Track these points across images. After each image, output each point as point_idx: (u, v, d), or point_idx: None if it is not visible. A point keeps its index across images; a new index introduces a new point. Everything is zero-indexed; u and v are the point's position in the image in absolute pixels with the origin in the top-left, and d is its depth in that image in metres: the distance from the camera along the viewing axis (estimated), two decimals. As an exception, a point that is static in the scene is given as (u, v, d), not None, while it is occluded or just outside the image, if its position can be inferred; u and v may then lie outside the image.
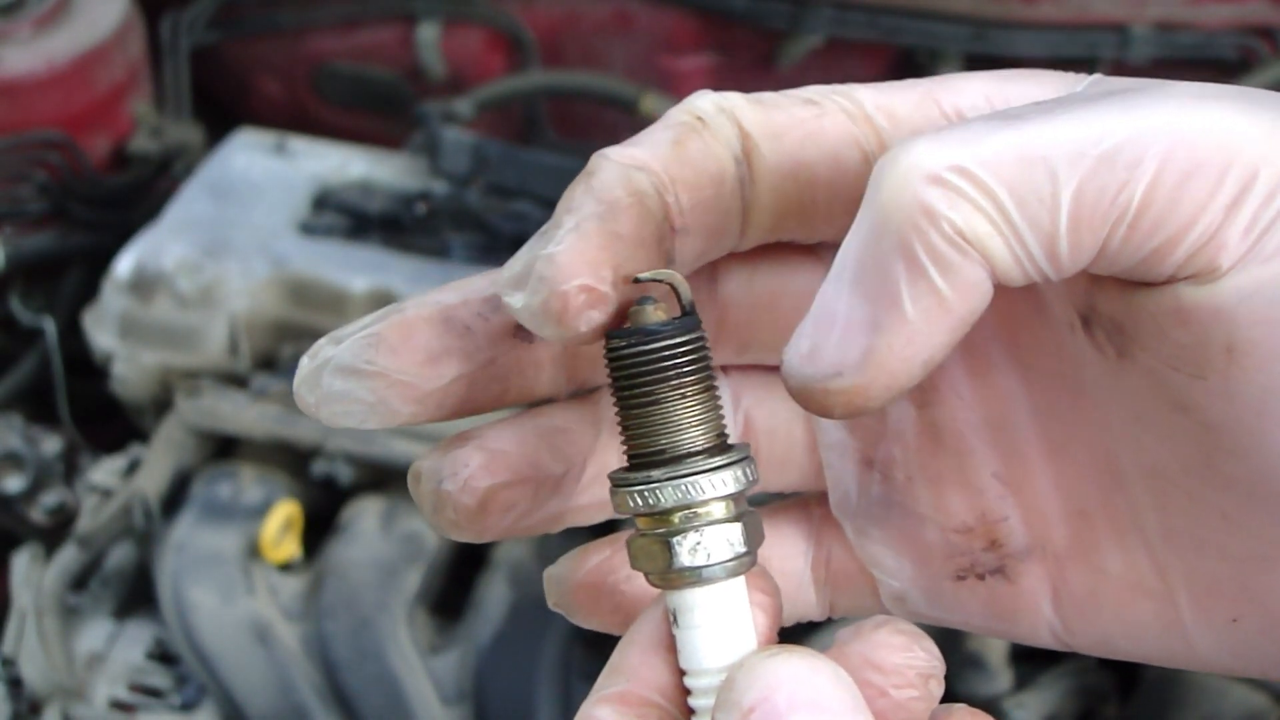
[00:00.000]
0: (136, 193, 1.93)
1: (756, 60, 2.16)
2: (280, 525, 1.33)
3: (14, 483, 1.55)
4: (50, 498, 1.56)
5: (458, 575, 1.40)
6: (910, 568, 0.47)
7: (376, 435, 1.39)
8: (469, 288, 0.44)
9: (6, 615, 1.42)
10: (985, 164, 0.37)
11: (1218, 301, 0.38)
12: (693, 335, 0.40)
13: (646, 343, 0.39)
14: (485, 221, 1.58)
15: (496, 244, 1.57)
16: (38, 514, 1.56)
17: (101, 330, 1.56)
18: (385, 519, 1.38)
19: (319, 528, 1.40)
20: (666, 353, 0.39)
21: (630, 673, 0.41)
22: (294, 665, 1.30)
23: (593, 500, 0.46)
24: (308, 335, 1.52)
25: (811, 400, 0.39)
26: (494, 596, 1.31)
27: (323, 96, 2.26)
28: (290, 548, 1.36)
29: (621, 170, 0.41)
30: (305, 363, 0.43)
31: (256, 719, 1.29)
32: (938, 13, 1.98)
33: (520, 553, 1.35)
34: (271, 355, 1.54)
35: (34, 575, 1.41)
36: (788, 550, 0.48)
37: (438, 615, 1.36)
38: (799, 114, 0.43)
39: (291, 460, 1.43)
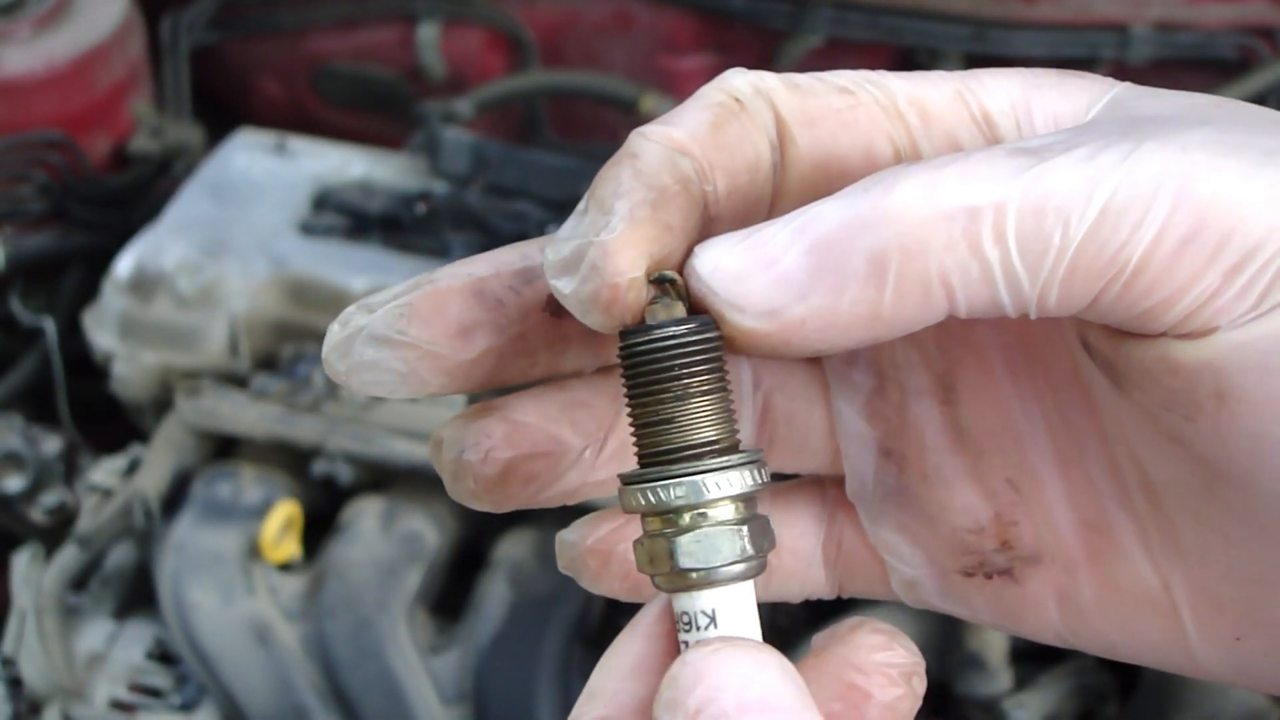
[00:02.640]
0: (136, 193, 1.93)
1: (756, 60, 2.16)
2: (280, 525, 1.33)
3: (14, 483, 1.55)
4: (50, 498, 1.56)
5: (458, 575, 1.40)
6: (922, 559, 0.47)
7: (377, 435, 1.39)
8: (500, 260, 0.44)
9: (6, 615, 1.41)
10: (1000, 210, 0.37)
11: (1208, 355, 0.37)
12: (707, 335, 0.39)
13: (661, 341, 0.39)
14: (485, 221, 1.58)
15: (496, 244, 1.56)
16: (38, 514, 1.56)
17: (101, 330, 1.56)
18: (385, 519, 1.38)
19: (319, 528, 1.40)
20: (679, 352, 0.39)
21: (607, 699, 0.40)
22: (294, 665, 1.30)
23: (610, 475, 0.45)
24: (308, 335, 1.52)
25: (703, 307, 0.39)
26: (494, 596, 1.31)
27: (323, 96, 2.26)
28: (290, 548, 1.36)
29: (666, 155, 0.40)
30: (336, 330, 0.43)
31: (256, 719, 1.29)
32: (938, 13, 1.98)
33: (520, 553, 1.35)
34: (271, 355, 1.54)
35: (34, 575, 1.41)
36: (800, 529, 0.48)
37: (438, 615, 1.36)
38: (833, 102, 0.42)
39: (291, 460, 1.43)
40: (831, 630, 0.42)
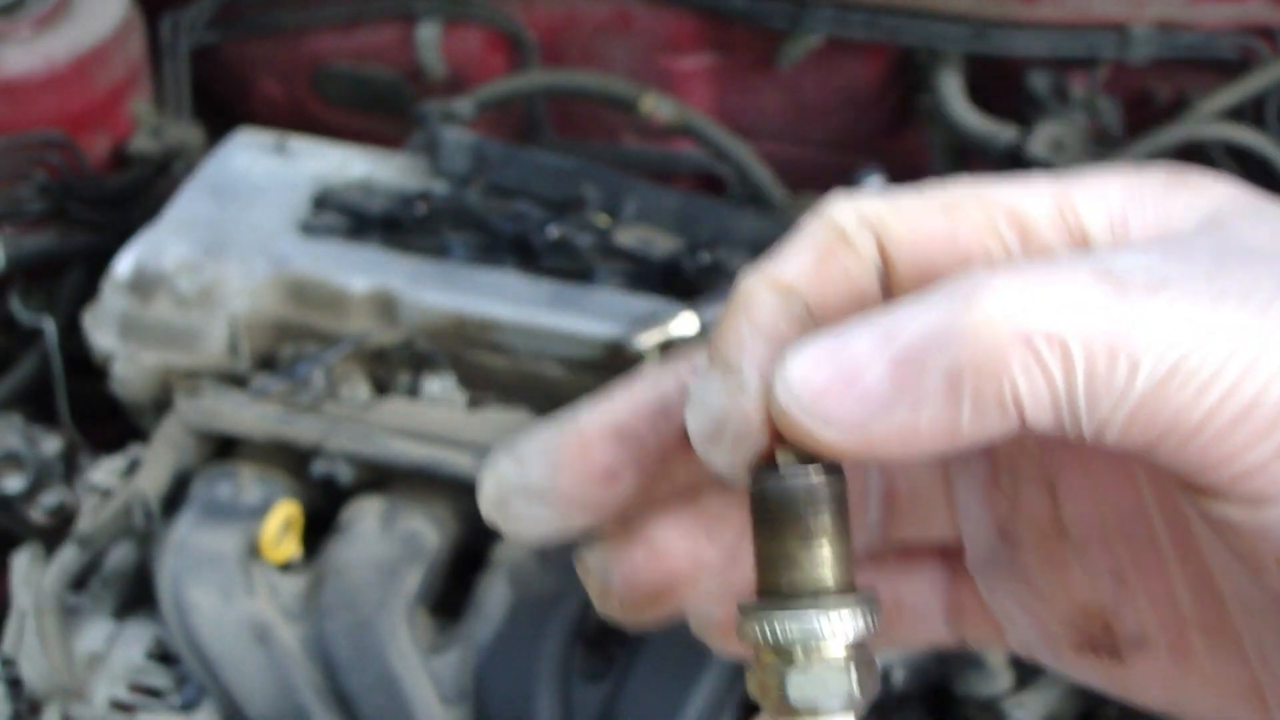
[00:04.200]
0: (136, 193, 1.93)
1: (756, 60, 2.16)
2: (280, 525, 1.33)
3: (14, 483, 1.55)
4: (50, 498, 1.56)
5: (458, 575, 1.40)
6: (1035, 629, 0.49)
7: (377, 435, 1.39)
8: (637, 398, 0.45)
9: (7, 615, 1.41)
10: (1081, 341, 0.37)
11: (1265, 523, 0.37)
12: (833, 481, 0.41)
13: (792, 490, 0.41)
14: (485, 221, 1.58)
15: (496, 244, 1.57)
16: (38, 514, 1.56)
17: (101, 330, 1.56)
18: (385, 519, 1.38)
19: (319, 528, 1.40)
20: (806, 498, 0.41)
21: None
22: (294, 665, 1.30)
23: (747, 580, 0.46)
24: (308, 335, 1.52)
25: (786, 422, 0.39)
26: (494, 596, 1.31)
27: (323, 96, 2.26)
28: (290, 548, 1.36)
29: (781, 302, 0.41)
30: (490, 485, 0.45)
31: (256, 719, 1.29)
32: (938, 13, 1.98)
33: (520, 553, 1.35)
34: (271, 355, 1.54)
35: (34, 575, 1.41)
36: (924, 589, 0.50)
37: (438, 615, 1.36)
38: (938, 225, 0.42)
39: (291, 460, 1.43)
40: None
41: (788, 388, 0.38)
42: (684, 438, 0.43)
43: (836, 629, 0.41)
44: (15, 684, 1.39)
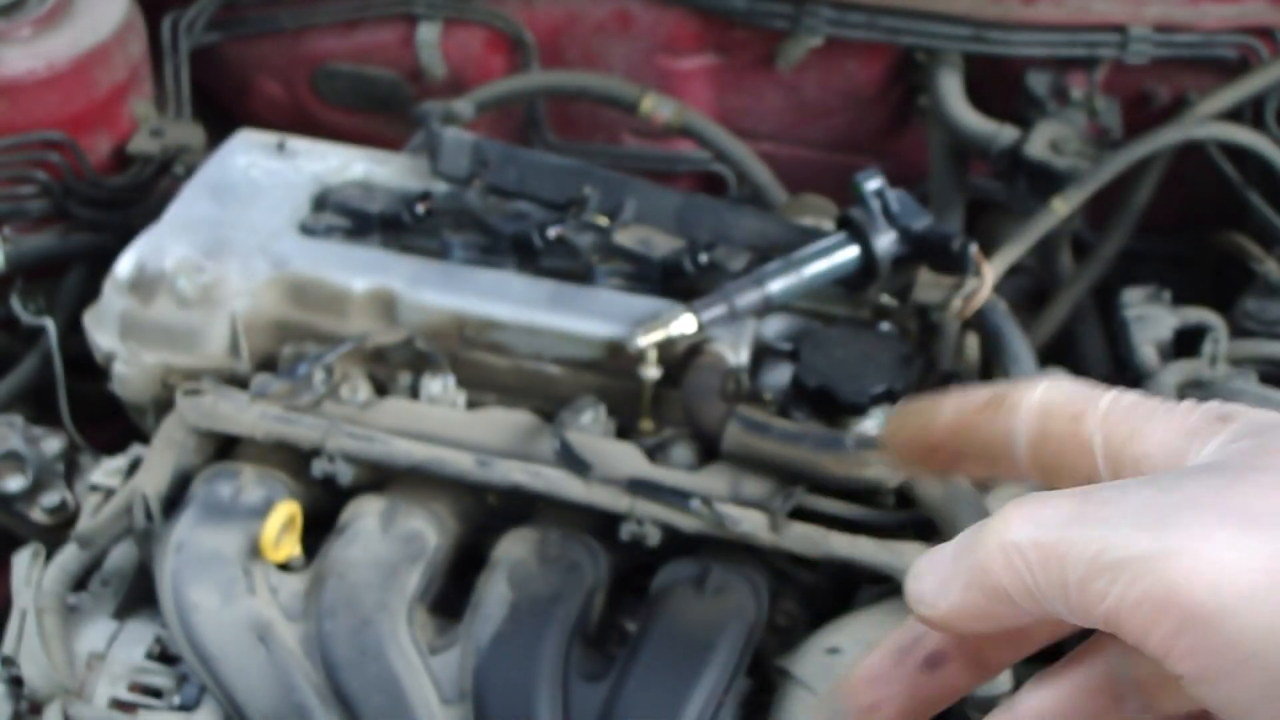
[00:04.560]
0: (137, 193, 1.93)
1: (756, 60, 2.16)
2: (280, 525, 1.33)
3: (14, 483, 1.55)
4: (50, 498, 1.56)
5: (458, 575, 1.40)
6: None
7: (377, 435, 1.40)
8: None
9: (7, 615, 1.41)
10: (1035, 548, 0.50)
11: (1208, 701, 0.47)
12: None
13: None
14: (485, 221, 1.58)
15: (496, 244, 1.57)
16: (38, 514, 1.56)
17: (102, 330, 1.56)
18: (385, 519, 1.38)
19: (319, 528, 1.40)
20: None
21: None
22: (294, 665, 1.30)
23: None
24: (308, 335, 1.52)
25: (910, 604, 0.54)
26: (494, 596, 1.31)
27: (323, 96, 2.26)
28: (290, 548, 1.36)
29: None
30: None
31: (256, 719, 1.29)
32: (937, 13, 1.98)
33: (520, 553, 1.35)
34: (271, 355, 1.54)
35: (34, 575, 1.41)
36: None
37: (438, 615, 1.36)
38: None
39: (291, 460, 1.43)
40: None
41: (909, 580, 0.55)
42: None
43: None
44: (16, 684, 1.39)
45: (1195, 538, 0.46)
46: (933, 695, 0.59)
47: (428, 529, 1.37)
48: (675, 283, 1.52)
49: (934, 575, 0.53)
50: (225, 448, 1.48)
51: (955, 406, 0.61)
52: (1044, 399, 0.58)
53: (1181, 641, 0.46)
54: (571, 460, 1.36)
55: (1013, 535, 0.50)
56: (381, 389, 1.51)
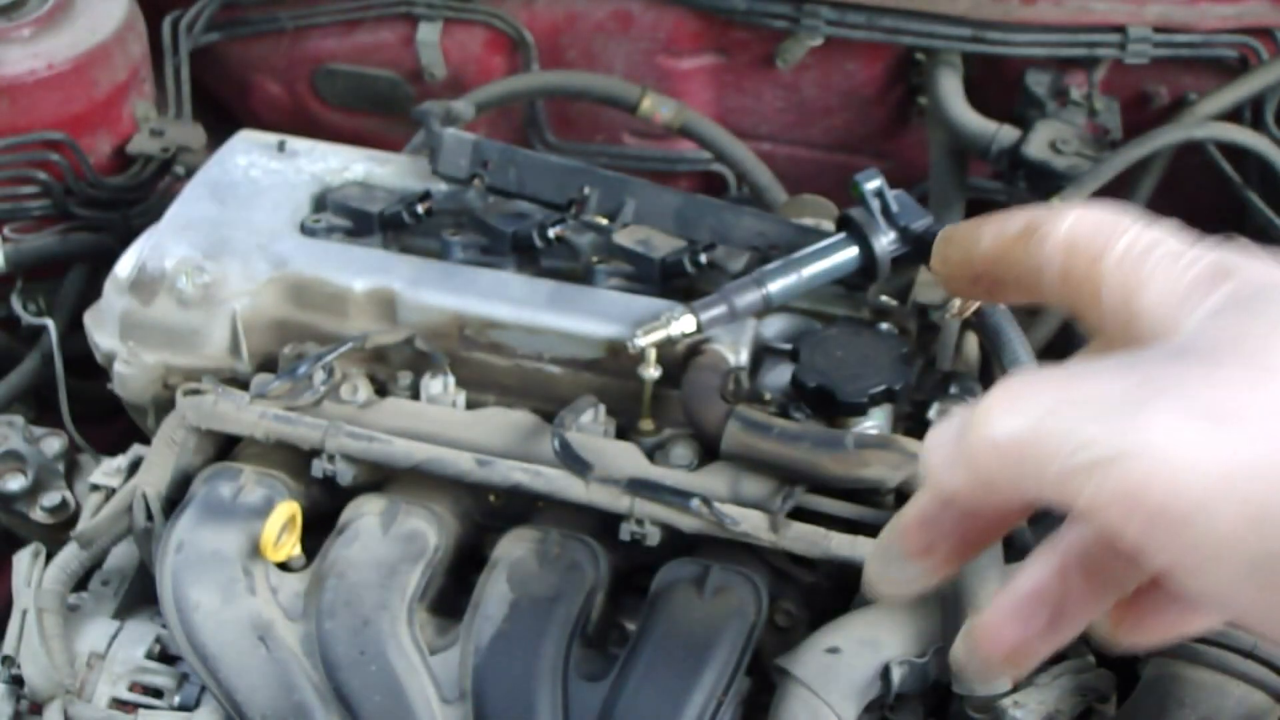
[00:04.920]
0: (137, 193, 1.93)
1: (756, 60, 2.16)
2: (280, 525, 1.33)
3: (14, 483, 1.55)
4: (51, 498, 1.56)
5: (458, 575, 1.40)
6: None
7: (376, 435, 1.40)
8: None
9: (7, 615, 1.42)
10: (1022, 438, 0.52)
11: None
12: None
13: None
14: (485, 221, 1.58)
15: (497, 244, 1.57)
16: (38, 514, 1.56)
17: (103, 330, 1.56)
18: (385, 519, 1.38)
19: (319, 528, 1.40)
20: None
21: None
22: (294, 665, 1.30)
23: None
24: (308, 335, 1.52)
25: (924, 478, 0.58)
26: (494, 596, 1.32)
27: (323, 97, 2.26)
28: (290, 548, 1.36)
29: None
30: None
31: (256, 718, 1.29)
32: (937, 13, 1.99)
33: (520, 552, 1.36)
34: (272, 355, 1.54)
35: (34, 575, 1.41)
36: None
37: (438, 615, 1.36)
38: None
39: (292, 460, 1.43)
40: None
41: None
42: None
43: None
44: (16, 683, 1.39)
45: (1163, 431, 0.48)
46: (983, 530, 0.61)
47: (428, 529, 1.37)
48: (675, 283, 1.52)
49: (941, 452, 0.55)
50: (225, 448, 1.48)
51: (993, 233, 0.64)
52: (1069, 234, 0.59)
53: (1153, 538, 0.48)
54: (571, 460, 1.36)
55: (993, 430, 0.52)
56: (381, 389, 1.51)
